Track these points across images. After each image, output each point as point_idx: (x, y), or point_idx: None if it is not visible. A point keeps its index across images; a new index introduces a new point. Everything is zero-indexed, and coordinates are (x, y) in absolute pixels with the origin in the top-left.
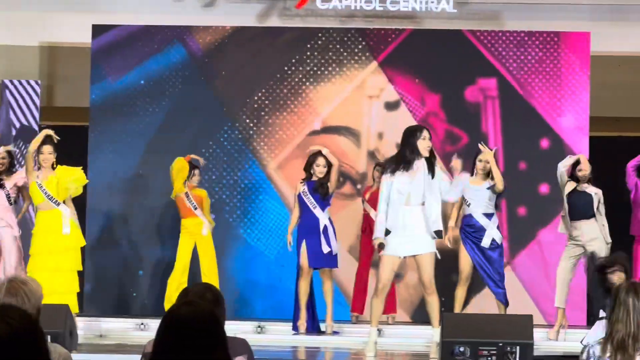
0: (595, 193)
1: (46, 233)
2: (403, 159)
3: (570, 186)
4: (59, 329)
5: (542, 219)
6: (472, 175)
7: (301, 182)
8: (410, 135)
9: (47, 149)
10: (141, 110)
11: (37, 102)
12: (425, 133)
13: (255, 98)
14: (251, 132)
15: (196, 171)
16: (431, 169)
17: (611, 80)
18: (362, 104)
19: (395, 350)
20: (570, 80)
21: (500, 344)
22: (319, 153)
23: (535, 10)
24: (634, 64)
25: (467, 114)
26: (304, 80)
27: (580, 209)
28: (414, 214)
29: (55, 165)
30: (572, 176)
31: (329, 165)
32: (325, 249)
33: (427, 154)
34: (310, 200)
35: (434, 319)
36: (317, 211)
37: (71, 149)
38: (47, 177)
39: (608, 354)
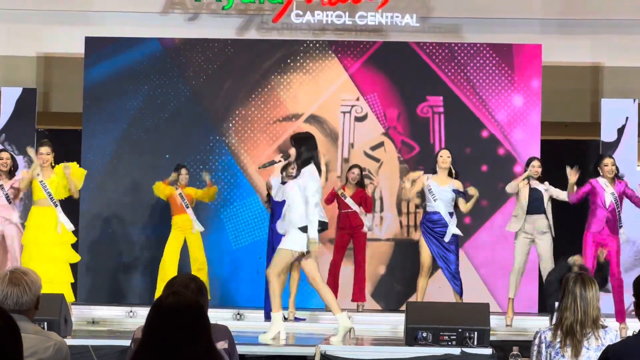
0: (546, 190)
1: (39, 227)
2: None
3: (523, 186)
4: (54, 316)
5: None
6: (434, 173)
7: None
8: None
9: (45, 149)
10: (130, 114)
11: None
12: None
13: (237, 108)
14: (234, 140)
15: (183, 170)
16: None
17: (560, 88)
18: (336, 116)
19: (363, 335)
20: (523, 88)
21: (460, 330)
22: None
23: (492, 24)
24: (580, 73)
25: (419, 127)
26: (279, 92)
27: (533, 204)
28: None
29: (53, 165)
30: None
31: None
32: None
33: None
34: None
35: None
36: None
37: (65, 151)
38: (49, 176)
39: (558, 339)
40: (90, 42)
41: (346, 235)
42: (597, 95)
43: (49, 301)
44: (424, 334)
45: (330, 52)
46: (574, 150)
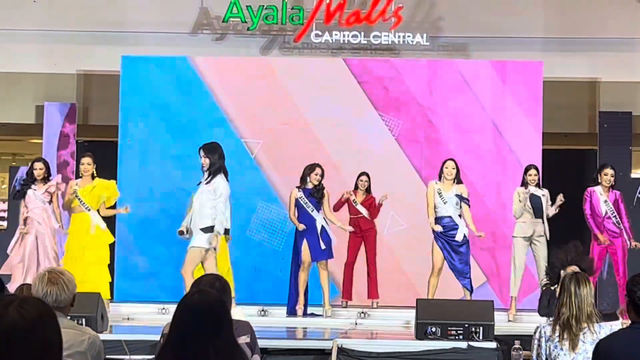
0: (543, 195)
1: (78, 233)
2: None
3: (524, 197)
4: (91, 313)
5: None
6: (439, 180)
7: (297, 189)
8: None
9: (87, 160)
10: (162, 127)
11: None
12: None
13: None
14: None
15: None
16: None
17: (560, 102)
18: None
19: (377, 329)
20: (526, 101)
21: (466, 325)
22: (316, 164)
23: (497, 42)
24: (579, 88)
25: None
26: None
27: (533, 208)
28: None
29: (94, 175)
30: (523, 181)
31: (323, 174)
32: (322, 245)
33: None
34: (307, 204)
35: None
36: (314, 213)
37: (103, 161)
38: (84, 185)
39: (557, 333)
40: (126, 60)
41: (358, 238)
42: (595, 108)
43: (87, 299)
44: (433, 329)
45: (346, 70)
46: (572, 158)
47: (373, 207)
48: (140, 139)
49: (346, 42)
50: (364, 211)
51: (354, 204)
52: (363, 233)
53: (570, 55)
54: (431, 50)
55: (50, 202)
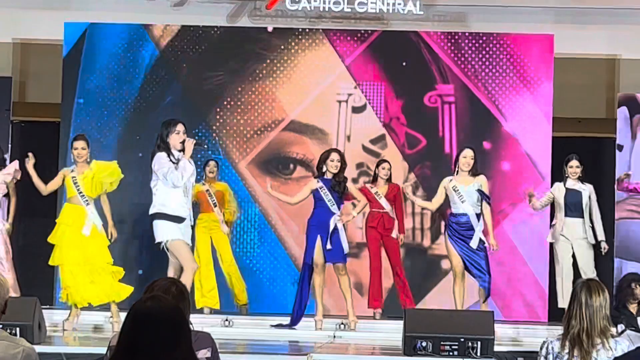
0: (584, 189)
1: (70, 226)
2: None
3: (561, 188)
4: (27, 321)
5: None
6: (455, 174)
7: (316, 179)
8: None
9: (80, 144)
10: (110, 106)
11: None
12: None
13: (225, 98)
14: (222, 132)
15: (211, 162)
16: None
17: (574, 82)
18: (331, 106)
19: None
20: (534, 81)
21: (462, 339)
22: (333, 149)
23: (500, 12)
24: (595, 66)
25: (426, 118)
26: (272, 80)
27: (567, 205)
28: None
29: (90, 160)
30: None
31: (343, 162)
32: (329, 245)
33: None
34: (328, 197)
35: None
36: (335, 209)
37: (43, 144)
38: (82, 171)
39: (566, 350)
40: (70, 28)
41: (378, 235)
42: (613, 90)
43: (22, 305)
44: (424, 344)
45: (326, 41)
46: (588, 148)
47: (398, 201)
48: (86, 119)
49: (327, 10)
50: (387, 206)
51: (377, 197)
52: (384, 232)
53: (585, 28)
54: (425, 20)
55: (7, 195)
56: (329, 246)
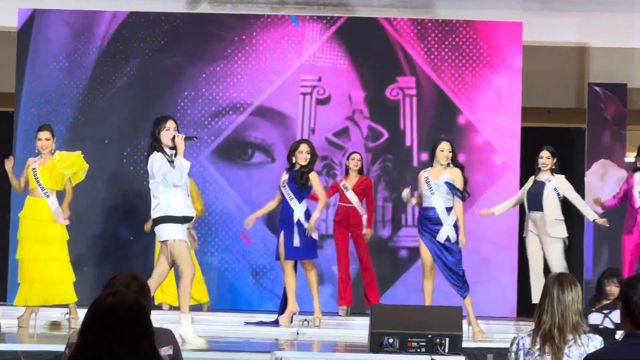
0: (549, 180)
1: (32, 220)
2: None
3: (530, 181)
4: None
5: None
6: (431, 166)
7: (285, 172)
8: None
9: (44, 134)
10: (67, 95)
11: None
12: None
13: (184, 85)
14: (182, 122)
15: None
16: None
17: (543, 71)
18: (294, 96)
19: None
20: (502, 70)
21: (430, 336)
22: (302, 140)
23: None
24: (565, 55)
25: (388, 111)
26: (234, 70)
27: (533, 199)
28: None
29: (54, 151)
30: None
31: (313, 153)
32: (296, 241)
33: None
34: (287, 191)
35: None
36: (293, 203)
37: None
38: (44, 163)
39: (537, 346)
40: (23, 14)
41: (344, 230)
42: (583, 79)
43: None
44: (390, 340)
45: (289, 27)
46: (557, 138)
47: (368, 194)
48: (42, 108)
49: None
50: (353, 199)
51: (345, 190)
52: (350, 227)
53: (554, 15)
54: (391, 6)
55: None
56: (296, 243)
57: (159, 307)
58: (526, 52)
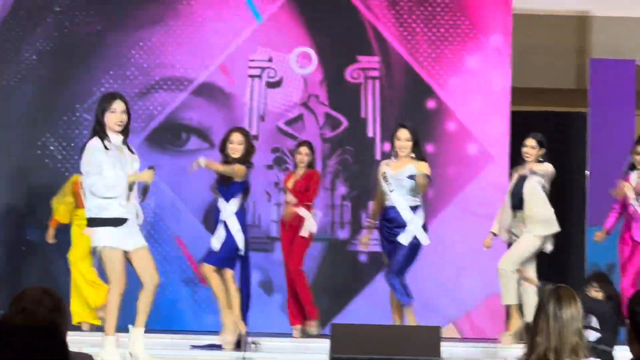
0: (533, 172)
1: None
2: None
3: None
4: None
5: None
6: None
7: None
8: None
9: None
10: None
11: None
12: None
13: (112, 67)
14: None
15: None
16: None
17: (537, 45)
18: (241, 77)
19: None
20: (486, 44)
21: None
22: (235, 129)
23: None
24: (563, 26)
25: (348, 96)
26: (168, 41)
27: (514, 195)
28: None
29: None
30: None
31: (248, 143)
32: (215, 245)
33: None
34: (214, 189)
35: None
36: (221, 203)
37: None
38: None
39: None
40: None
41: (288, 235)
42: (584, 54)
43: None
44: None
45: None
46: (554, 124)
47: (312, 190)
48: None
49: None
50: (293, 198)
51: (286, 188)
52: (292, 230)
53: None
54: None
55: None
56: (216, 246)
57: (78, 328)
58: (517, 22)
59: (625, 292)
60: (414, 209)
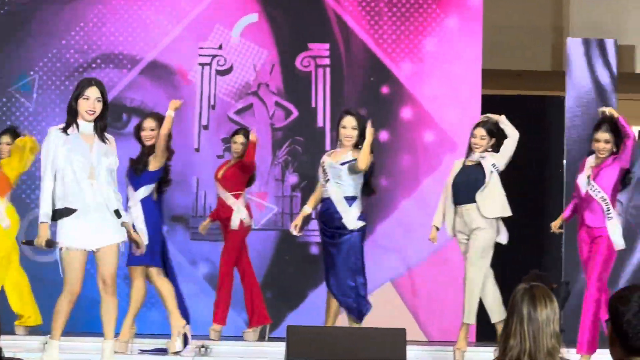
0: (482, 157)
1: None
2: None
3: (457, 166)
4: None
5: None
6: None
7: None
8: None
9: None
10: None
11: None
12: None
13: (45, 47)
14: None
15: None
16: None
17: (510, 24)
18: (191, 52)
19: None
20: (453, 22)
21: None
22: (149, 114)
23: None
24: (538, 3)
25: (299, 85)
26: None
27: (461, 189)
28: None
29: None
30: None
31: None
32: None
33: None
34: (126, 181)
35: (108, 328)
36: (130, 192)
37: None
38: None
39: None
40: None
41: (225, 229)
42: (562, 34)
43: None
44: None
45: None
46: (529, 109)
47: (240, 178)
48: None
49: None
50: (220, 190)
51: (216, 179)
52: (222, 222)
53: None
54: None
55: None
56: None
57: (13, 332)
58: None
59: (591, 297)
60: (350, 200)
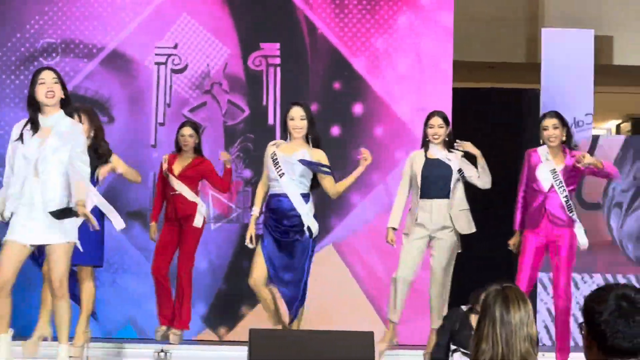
0: (449, 159)
1: None
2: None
3: (419, 157)
4: None
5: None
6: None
7: None
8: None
9: None
10: None
11: None
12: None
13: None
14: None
15: None
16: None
17: (483, 13)
18: (150, 43)
19: None
20: (424, 13)
21: None
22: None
23: None
24: None
25: (251, 84)
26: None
27: (429, 182)
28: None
29: None
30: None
31: (95, 124)
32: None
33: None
34: None
35: (60, 332)
36: (90, 186)
37: None
38: None
39: None
40: None
41: (175, 229)
42: (536, 24)
43: None
44: None
45: None
46: (502, 102)
47: (208, 175)
48: None
49: None
50: (179, 186)
51: (166, 175)
52: (180, 221)
53: None
54: None
55: None
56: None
57: None
58: None
59: (562, 302)
60: (304, 197)
